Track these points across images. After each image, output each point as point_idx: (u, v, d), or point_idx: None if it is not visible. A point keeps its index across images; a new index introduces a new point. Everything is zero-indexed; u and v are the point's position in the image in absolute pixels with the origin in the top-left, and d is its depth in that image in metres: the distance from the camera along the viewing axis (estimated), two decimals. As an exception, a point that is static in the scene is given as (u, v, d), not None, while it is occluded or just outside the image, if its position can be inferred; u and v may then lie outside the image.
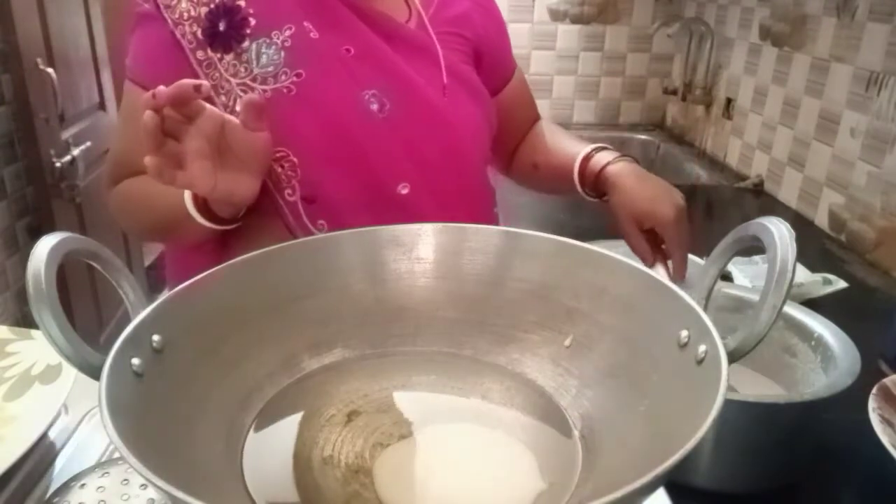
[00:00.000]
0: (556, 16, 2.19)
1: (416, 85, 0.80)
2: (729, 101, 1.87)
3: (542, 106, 2.26)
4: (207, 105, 0.62)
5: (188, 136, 0.61)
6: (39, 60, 1.80)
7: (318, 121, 0.75)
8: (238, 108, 0.71)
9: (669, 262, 0.80)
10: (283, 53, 0.74)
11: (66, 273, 1.83)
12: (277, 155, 0.74)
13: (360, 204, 0.76)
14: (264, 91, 0.74)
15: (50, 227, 1.84)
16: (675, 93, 2.15)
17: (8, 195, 1.78)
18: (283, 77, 0.74)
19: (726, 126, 1.88)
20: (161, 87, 0.57)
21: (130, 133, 0.78)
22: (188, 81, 0.57)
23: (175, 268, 0.89)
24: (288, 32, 0.75)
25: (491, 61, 0.92)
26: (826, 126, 1.40)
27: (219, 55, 0.74)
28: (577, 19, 2.20)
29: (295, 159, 0.75)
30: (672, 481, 0.52)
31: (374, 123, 0.77)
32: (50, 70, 1.82)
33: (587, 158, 0.87)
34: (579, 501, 0.43)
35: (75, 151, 1.94)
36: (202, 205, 0.69)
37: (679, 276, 0.78)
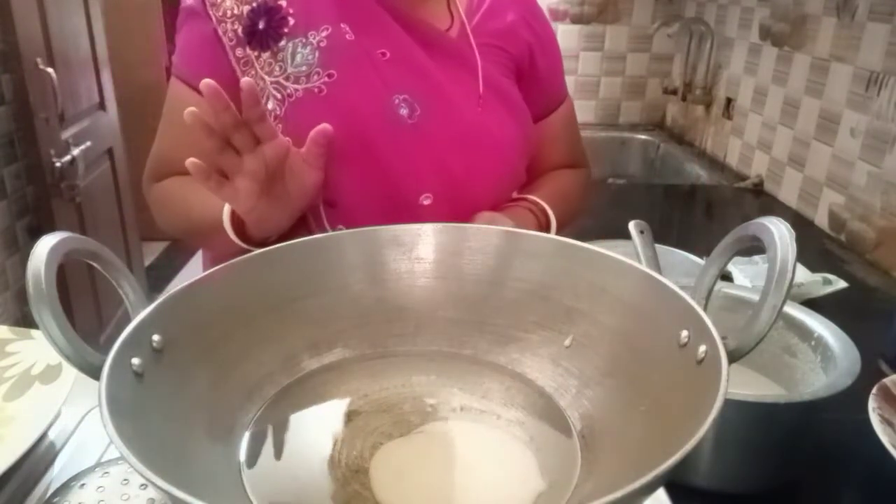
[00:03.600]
0: (556, 15, 2.19)
1: (449, 93, 0.79)
2: (729, 101, 1.87)
3: (542, 106, 2.27)
4: (280, 134, 0.64)
5: (250, 156, 0.62)
6: (39, 60, 1.80)
7: (345, 122, 0.75)
8: (270, 105, 0.74)
9: None
10: (317, 54, 0.75)
11: (66, 273, 1.84)
12: None
13: (379, 211, 0.75)
14: (296, 90, 0.74)
15: (50, 227, 1.84)
16: (675, 93, 2.15)
17: (8, 195, 1.78)
18: (316, 77, 0.75)
19: (726, 126, 1.88)
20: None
21: (175, 131, 0.79)
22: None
23: (208, 257, 0.90)
24: (325, 33, 0.75)
25: (535, 83, 0.88)
26: (826, 126, 1.40)
27: (256, 53, 0.75)
28: (577, 19, 2.20)
29: None
30: (672, 481, 0.52)
31: (401, 129, 0.76)
32: (50, 70, 1.82)
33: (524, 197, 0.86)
34: (579, 501, 0.43)
35: (75, 151, 1.94)
36: (238, 222, 0.70)
37: None
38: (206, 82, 0.58)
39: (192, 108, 0.58)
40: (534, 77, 0.87)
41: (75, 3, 2.09)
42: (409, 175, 0.77)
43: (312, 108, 0.73)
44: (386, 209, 0.76)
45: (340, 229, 0.75)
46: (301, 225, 0.76)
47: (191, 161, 0.60)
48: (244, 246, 0.70)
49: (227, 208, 0.70)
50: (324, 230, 0.76)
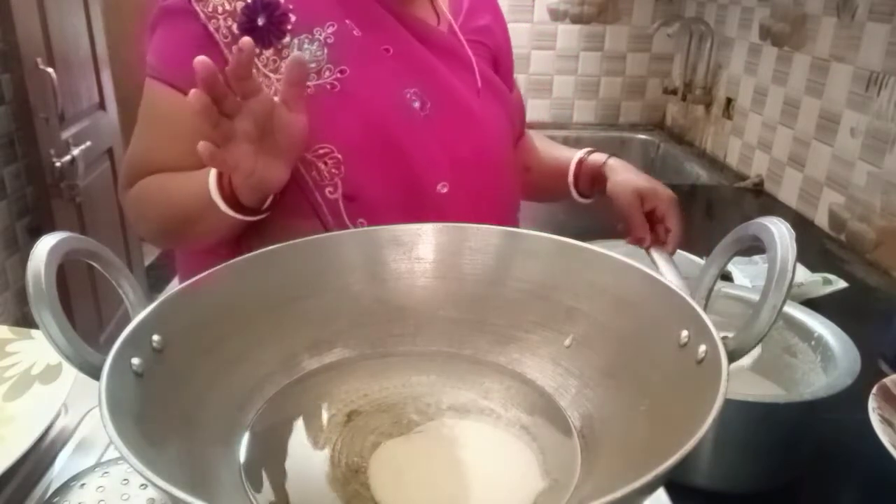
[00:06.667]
0: (556, 15, 2.19)
1: (454, 86, 0.81)
2: (729, 100, 1.87)
3: (542, 106, 2.28)
4: (263, 88, 0.63)
5: (240, 117, 0.61)
6: (39, 60, 1.80)
7: (362, 117, 0.75)
8: (278, 99, 0.73)
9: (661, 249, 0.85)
10: (326, 50, 0.75)
11: (66, 273, 1.83)
12: (321, 151, 0.74)
13: (399, 202, 0.77)
14: (307, 87, 0.73)
15: (50, 227, 1.84)
16: (675, 93, 2.15)
17: (8, 195, 1.78)
18: (327, 73, 0.75)
19: (726, 126, 1.88)
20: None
21: (152, 133, 0.78)
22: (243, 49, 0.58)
23: (187, 272, 0.87)
24: (331, 29, 0.75)
25: (501, 77, 0.94)
26: (826, 126, 1.40)
27: (257, 51, 0.73)
28: (577, 19, 2.20)
29: (339, 156, 0.75)
30: (672, 481, 0.52)
31: (415, 121, 0.78)
32: (50, 70, 1.82)
33: (581, 161, 0.94)
34: (579, 501, 0.43)
35: (75, 151, 1.94)
36: (227, 194, 0.68)
37: (671, 252, 0.85)
38: (201, 59, 0.57)
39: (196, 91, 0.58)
40: (500, 72, 0.94)
41: (75, 3, 2.09)
42: (426, 165, 0.78)
43: (326, 103, 0.73)
44: (406, 200, 0.77)
45: (362, 223, 0.76)
46: (313, 222, 0.75)
47: (203, 145, 0.60)
48: (238, 217, 0.69)
49: (212, 181, 0.68)
50: (344, 226, 0.75)
